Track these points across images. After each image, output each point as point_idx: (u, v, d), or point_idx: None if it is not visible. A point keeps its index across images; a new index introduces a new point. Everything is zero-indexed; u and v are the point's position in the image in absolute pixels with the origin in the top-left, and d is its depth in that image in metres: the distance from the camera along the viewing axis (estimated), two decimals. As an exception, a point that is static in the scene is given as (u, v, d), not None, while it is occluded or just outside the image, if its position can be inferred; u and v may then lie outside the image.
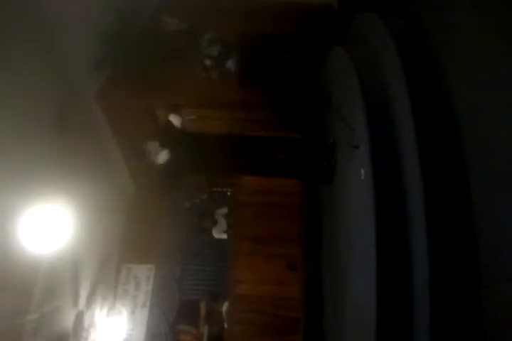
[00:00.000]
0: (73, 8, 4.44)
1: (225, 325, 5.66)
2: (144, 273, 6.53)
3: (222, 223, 6.26)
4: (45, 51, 4.33)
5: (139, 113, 5.49)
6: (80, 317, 5.18)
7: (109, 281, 6.28)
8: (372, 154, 3.51)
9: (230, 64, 5.61)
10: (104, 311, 6.03)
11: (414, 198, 3.21)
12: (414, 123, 3.34)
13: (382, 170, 3.45)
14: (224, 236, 6.26)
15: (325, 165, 4.58)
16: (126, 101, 5.37)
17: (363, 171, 3.57)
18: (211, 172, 5.21)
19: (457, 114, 3.28)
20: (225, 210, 6.34)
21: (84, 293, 5.33)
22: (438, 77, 3.54)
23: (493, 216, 2.85)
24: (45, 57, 4.36)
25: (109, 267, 6.24)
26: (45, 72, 4.41)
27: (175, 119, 4.58)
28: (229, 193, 6.69)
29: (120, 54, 5.25)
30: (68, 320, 4.96)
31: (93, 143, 5.64)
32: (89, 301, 5.51)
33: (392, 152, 3.51)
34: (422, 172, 3.18)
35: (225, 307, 5.77)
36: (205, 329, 5.99)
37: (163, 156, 4.47)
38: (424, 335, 3.00)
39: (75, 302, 5.12)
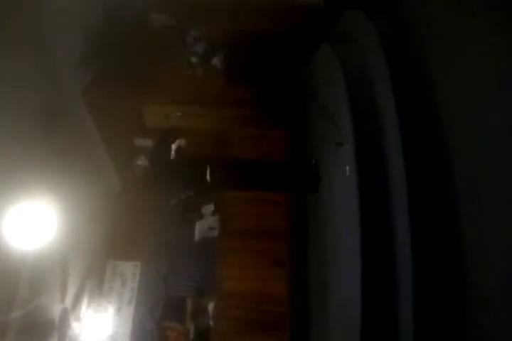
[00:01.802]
0: (61, 5, 4.42)
1: (211, 322, 5.66)
2: (130, 270, 6.50)
3: (209, 219, 6.26)
4: (32, 48, 4.29)
5: (124, 111, 5.48)
6: (65, 314, 5.15)
7: (95, 278, 6.26)
8: (357, 151, 3.54)
9: (216, 61, 5.61)
10: (90, 308, 6.00)
11: (399, 196, 3.23)
12: (400, 120, 3.36)
13: (367, 167, 3.47)
14: (210, 232, 6.25)
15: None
16: (112, 99, 5.34)
17: (347, 168, 3.59)
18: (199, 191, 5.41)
19: (443, 112, 3.29)
20: (211, 207, 6.34)
21: (69, 290, 5.30)
22: (424, 75, 3.55)
23: (478, 215, 2.86)
24: (32, 55, 4.31)
25: (95, 264, 6.22)
26: (33, 68, 4.36)
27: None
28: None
29: (107, 51, 5.22)
30: (54, 317, 4.94)
31: (80, 141, 5.60)
32: (75, 298, 5.49)
33: (377, 149, 3.53)
34: (407, 170, 3.20)
35: (211, 304, 5.78)
36: (191, 326, 5.99)
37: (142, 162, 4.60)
38: (408, 333, 3.03)
39: (61, 299, 5.09)
